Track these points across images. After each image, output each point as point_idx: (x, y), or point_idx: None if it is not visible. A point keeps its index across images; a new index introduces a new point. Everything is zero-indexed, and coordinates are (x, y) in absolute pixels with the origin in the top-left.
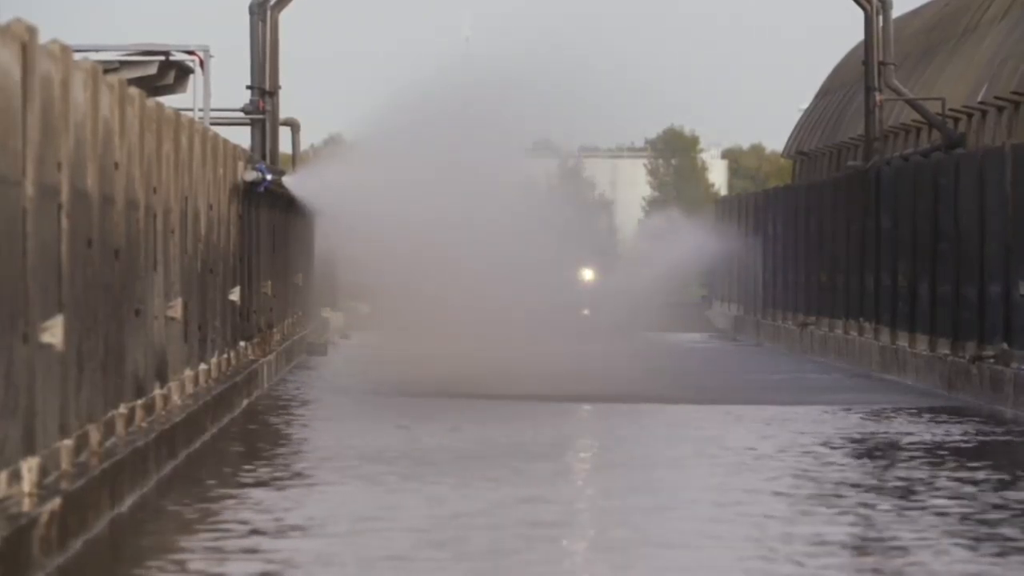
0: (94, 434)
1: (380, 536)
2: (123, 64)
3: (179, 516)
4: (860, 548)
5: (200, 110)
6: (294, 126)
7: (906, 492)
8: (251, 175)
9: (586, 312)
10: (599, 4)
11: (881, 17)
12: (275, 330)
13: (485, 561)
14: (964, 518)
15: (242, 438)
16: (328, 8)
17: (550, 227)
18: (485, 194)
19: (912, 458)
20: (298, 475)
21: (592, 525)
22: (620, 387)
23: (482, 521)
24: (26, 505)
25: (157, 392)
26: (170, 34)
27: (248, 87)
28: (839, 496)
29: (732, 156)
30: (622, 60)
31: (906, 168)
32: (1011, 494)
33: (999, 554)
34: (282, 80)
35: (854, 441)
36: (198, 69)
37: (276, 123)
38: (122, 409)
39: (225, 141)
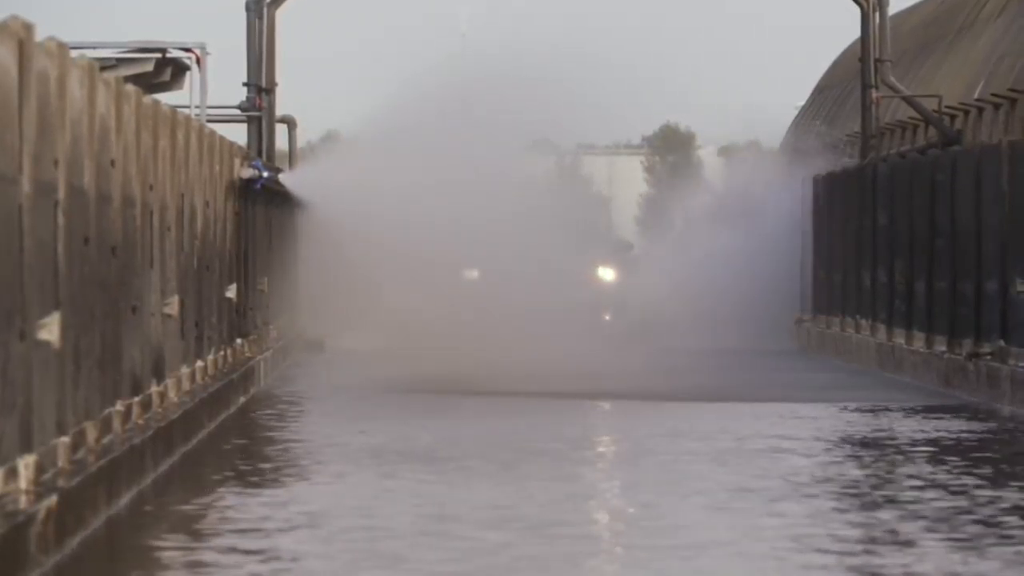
0: (91, 431)
1: (379, 534)
2: (120, 61)
3: (176, 513)
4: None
5: (197, 107)
6: (291, 123)
7: (904, 489)
8: (248, 172)
9: (608, 317)
10: (595, 2)
11: (878, 14)
12: (272, 327)
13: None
14: (959, 515)
15: (239, 435)
16: (325, 5)
17: (560, 223)
18: (488, 192)
19: (908, 455)
20: (296, 472)
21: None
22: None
23: (486, 518)
24: (23, 502)
25: (154, 389)
26: (167, 31)
27: (245, 84)
28: (836, 492)
29: (729, 153)
30: (618, 58)
31: (903, 165)
32: (1006, 492)
33: (995, 553)
34: (278, 77)
35: (851, 438)
36: (195, 66)
37: (273, 120)
38: (119, 406)
39: (222, 138)
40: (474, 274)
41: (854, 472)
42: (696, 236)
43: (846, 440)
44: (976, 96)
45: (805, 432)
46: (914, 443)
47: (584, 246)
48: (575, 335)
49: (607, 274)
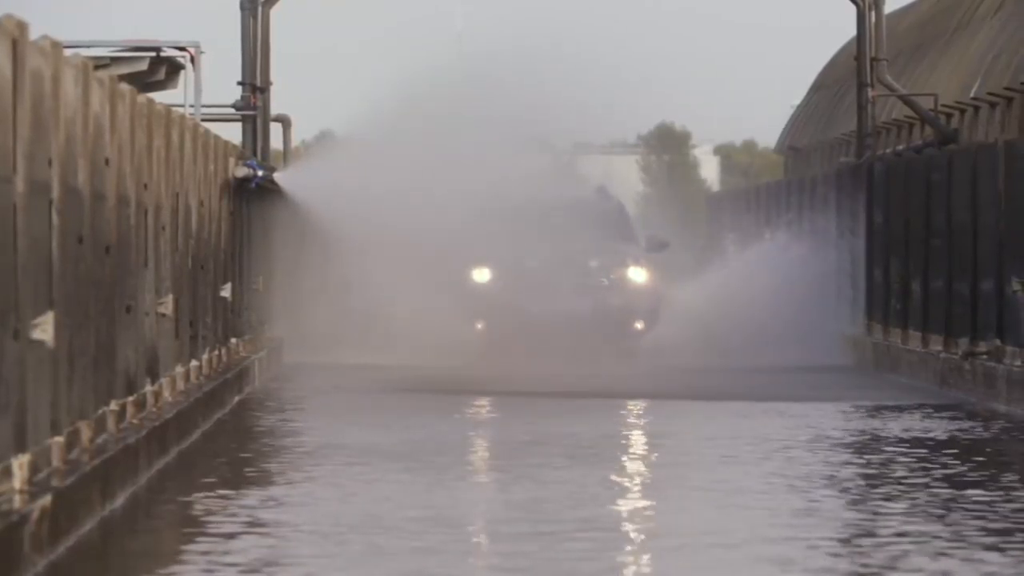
0: (85, 431)
1: (386, 535)
2: (114, 60)
3: (171, 513)
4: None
5: (191, 106)
6: (285, 122)
7: (900, 488)
8: (242, 171)
9: (640, 326)
10: (590, 2)
11: (874, 13)
12: (267, 326)
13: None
14: (952, 515)
15: (235, 434)
16: (320, 4)
17: (578, 217)
18: (493, 188)
19: (904, 455)
20: (294, 472)
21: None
22: None
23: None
24: (17, 502)
25: (148, 389)
26: (161, 30)
27: (239, 83)
28: (833, 491)
29: (724, 152)
30: (614, 57)
31: (898, 164)
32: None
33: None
34: (273, 76)
35: (847, 437)
36: (189, 65)
37: (267, 119)
38: (113, 406)
39: (216, 137)
40: (485, 275)
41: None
42: (739, 232)
43: (848, 439)
44: (972, 95)
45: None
46: (912, 442)
47: (609, 243)
48: (602, 349)
49: (639, 276)
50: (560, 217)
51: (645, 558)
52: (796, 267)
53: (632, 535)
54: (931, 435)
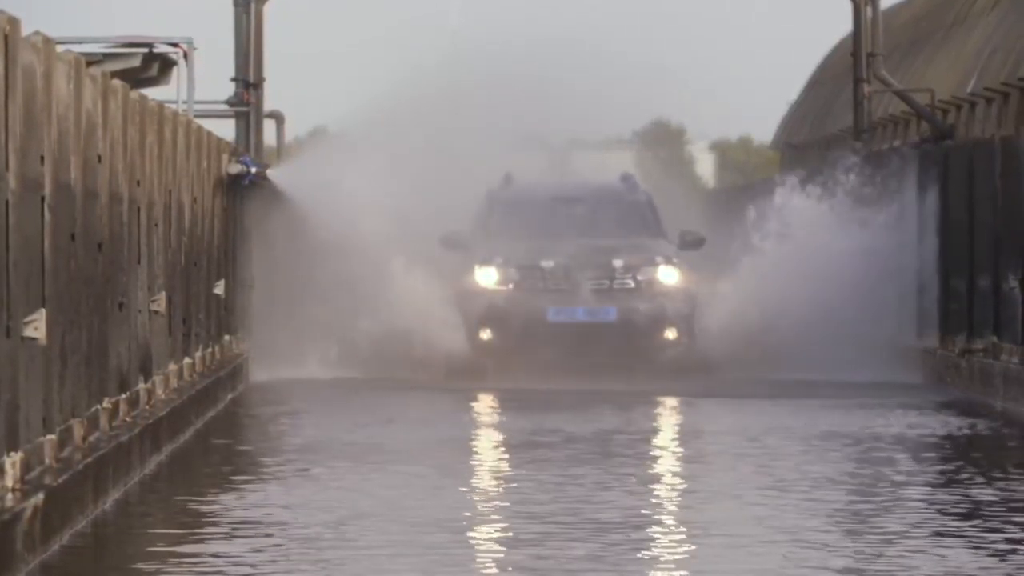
0: (78, 429)
1: (372, 535)
2: (106, 56)
3: (164, 512)
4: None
5: (184, 102)
6: (278, 118)
7: (897, 487)
8: (235, 168)
9: (672, 335)
10: None
11: (870, 8)
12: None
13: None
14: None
15: (227, 432)
16: (313, 0)
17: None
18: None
19: (902, 453)
20: (286, 470)
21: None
22: None
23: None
24: (9, 500)
25: (141, 386)
26: (154, 26)
27: (232, 79)
28: (830, 490)
29: (720, 148)
30: (609, 53)
31: (895, 160)
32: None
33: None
34: (266, 72)
35: (845, 436)
36: (182, 61)
37: (260, 115)
38: (106, 404)
39: (209, 133)
40: (491, 277)
41: None
42: (736, 230)
43: (846, 437)
44: (969, 90)
45: None
46: (911, 441)
47: (636, 239)
48: (627, 364)
49: (670, 276)
50: (579, 209)
51: (666, 555)
52: (798, 266)
53: (651, 534)
54: (928, 432)
